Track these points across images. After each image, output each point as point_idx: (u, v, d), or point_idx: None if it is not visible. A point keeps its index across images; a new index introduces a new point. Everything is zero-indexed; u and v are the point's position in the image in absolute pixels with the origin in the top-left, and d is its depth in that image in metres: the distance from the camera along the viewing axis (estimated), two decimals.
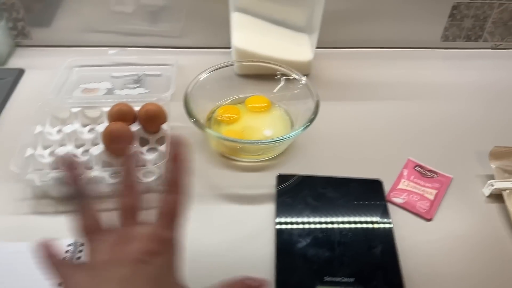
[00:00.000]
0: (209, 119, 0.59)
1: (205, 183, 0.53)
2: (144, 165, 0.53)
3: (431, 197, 0.51)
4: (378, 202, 0.50)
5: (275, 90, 0.61)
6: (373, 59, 0.75)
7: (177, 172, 0.33)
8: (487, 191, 0.52)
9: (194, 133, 0.55)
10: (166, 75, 0.68)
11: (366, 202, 0.50)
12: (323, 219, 0.47)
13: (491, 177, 0.53)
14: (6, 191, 0.51)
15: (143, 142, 0.57)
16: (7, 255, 0.45)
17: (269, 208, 0.50)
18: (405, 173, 0.54)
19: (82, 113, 0.58)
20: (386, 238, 0.46)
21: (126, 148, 0.36)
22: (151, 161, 0.54)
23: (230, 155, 0.56)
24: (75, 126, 0.57)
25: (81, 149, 0.55)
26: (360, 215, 0.48)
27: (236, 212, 0.50)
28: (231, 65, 0.61)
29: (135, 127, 0.55)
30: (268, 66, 0.61)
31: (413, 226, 0.49)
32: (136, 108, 0.57)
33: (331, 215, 0.48)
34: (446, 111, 0.65)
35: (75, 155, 0.36)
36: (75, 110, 0.58)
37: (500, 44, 0.77)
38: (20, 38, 0.73)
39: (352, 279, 0.42)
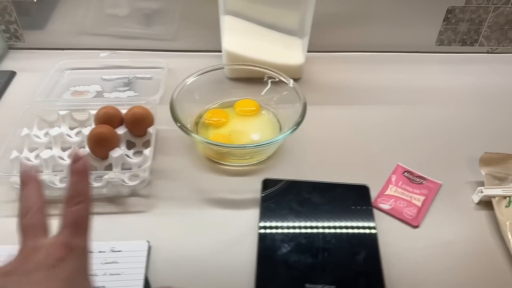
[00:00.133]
0: (197, 122, 0.59)
1: (191, 187, 0.53)
2: (130, 168, 0.53)
3: (419, 204, 0.50)
4: (363, 208, 0.49)
5: (262, 93, 0.61)
6: (366, 63, 0.75)
7: (78, 184, 0.33)
8: (476, 198, 0.51)
9: (181, 137, 0.55)
10: (157, 78, 0.68)
11: (352, 208, 0.49)
12: (307, 225, 0.47)
13: (481, 183, 0.52)
14: None
15: (130, 145, 0.57)
16: None
17: (254, 213, 0.49)
18: (394, 178, 0.54)
19: (70, 116, 0.58)
20: (370, 245, 0.45)
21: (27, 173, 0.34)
22: (137, 164, 0.53)
23: (217, 159, 0.55)
24: (62, 129, 0.57)
25: (67, 152, 0.55)
26: (344, 221, 0.47)
27: (220, 217, 0.50)
28: (220, 68, 0.61)
29: (121, 130, 0.55)
30: (257, 70, 0.61)
31: (399, 233, 0.48)
32: (123, 111, 0.57)
33: (315, 221, 0.47)
34: (439, 116, 0.64)
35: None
36: (62, 112, 0.58)
37: (497, 49, 0.76)
38: (13, 41, 0.74)
39: (333, 287, 0.41)
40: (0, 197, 0.50)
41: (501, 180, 0.52)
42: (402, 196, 0.51)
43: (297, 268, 0.43)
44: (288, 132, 0.52)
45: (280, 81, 0.59)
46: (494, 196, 0.50)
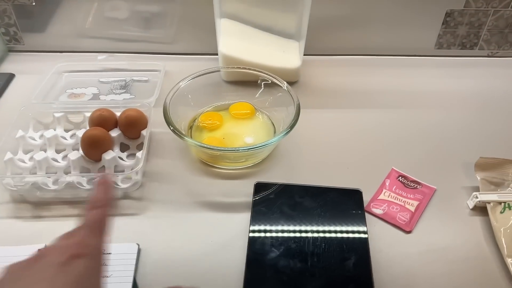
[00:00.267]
0: (191, 125, 0.59)
1: (184, 190, 0.53)
2: (123, 171, 0.53)
3: (412, 209, 0.50)
4: (355, 213, 0.48)
5: (256, 96, 0.61)
6: (364, 66, 0.74)
7: (101, 193, 0.34)
8: (471, 203, 0.50)
9: (176, 140, 0.55)
10: (154, 81, 0.68)
11: (344, 213, 0.48)
12: (297, 229, 0.46)
13: (477, 189, 0.52)
14: None
15: (124, 147, 0.57)
16: None
17: (245, 216, 0.49)
18: (388, 183, 0.53)
19: (65, 118, 0.59)
20: (360, 250, 0.45)
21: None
22: (130, 167, 0.53)
23: (210, 162, 0.55)
24: (57, 131, 0.57)
25: (61, 154, 0.55)
26: (336, 225, 0.47)
27: (212, 220, 0.49)
28: (213, 72, 0.61)
29: (115, 133, 0.55)
30: (251, 73, 0.61)
31: (391, 238, 0.48)
32: (118, 113, 0.57)
33: (306, 225, 0.47)
34: (436, 120, 0.63)
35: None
36: (58, 115, 0.58)
37: (497, 52, 0.75)
38: (13, 44, 0.74)
39: None
40: None
41: (497, 185, 0.51)
42: (395, 201, 0.51)
43: (285, 273, 0.42)
44: (281, 135, 0.52)
45: (274, 83, 0.59)
46: (489, 202, 0.49)
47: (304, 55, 0.69)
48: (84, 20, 0.73)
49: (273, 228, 0.47)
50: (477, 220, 0.50)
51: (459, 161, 0.56)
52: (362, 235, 0.46)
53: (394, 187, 0.53)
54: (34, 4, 0.69)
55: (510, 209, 0.48)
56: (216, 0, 0.62)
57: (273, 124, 0.59)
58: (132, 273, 0.43)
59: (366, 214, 0.50)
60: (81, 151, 0.53)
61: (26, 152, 0.55)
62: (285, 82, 0.58)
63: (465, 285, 0.44)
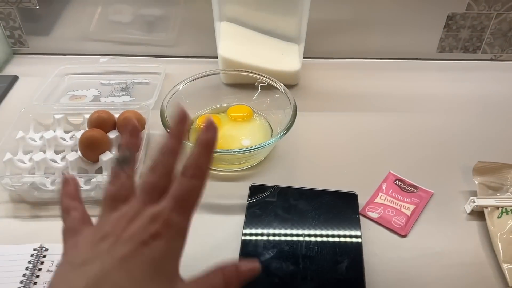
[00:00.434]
0: (189, 127, 0.59)
1: None
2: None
3: (408, 213, 0.49)
4: (350, 216, 0.48)
5: (254, 98, 0.61)
6: (365, 70, 0.74)
7: (201, 157, 0.30)
8: (468, 207, 0.50)
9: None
10: (154, 83, 0.68)
11: (338, 216, 0.48)
12: (291, 232, 0.46)
13: (475, 193, 0.51)
14: None
15: None
16: None
17: (240, 218, 0.49)
18: (384, 186, 0.53)
19: (65, 120, 0.59)
20: (353, 254, 0.44)
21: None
22: None
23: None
24: (57, 132, 0.58)
25: (60, 155, 0.56)
26: (329, 228, 0.47)
27: (206, 222, 0.50)
28: (211, 74, 0.61)
29: (113, 134, 0.56)
30: (249, 75, 0.61)
31: (386, 242, 0.47)
32: (117, 115, 0.57)
33: (300, 228, 0.47)
34: (436, 124, 0.63)
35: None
36: (58, 116, 0.59)
37: (501, 56, 0.75)
38: (18, 46, 0.76)
39: None
40: None
41: (495, 190, 0.51)
42: (391, 205, 0.50)
43: (277, 275, 0.42)
44: (277, 137, 0.52)
45: (271, 86, 0.59)
46: (486, 206, 0.49)
47: (304, 58, 0.69)
48: (88, 23, 0.74)
49: (266, 230, 0.47)
50: (474, 225, 0.49)
51: (458, 165, 0.56)
52: (356, 239, 0.46)
53: (391, 190, 0.52)
54: (38, 7, 0.71)
55: (507, 214, 0.47)
56: (215, 4, 0.62)
57: (271, 127, 0.59)
58: None
59: (362, 218, 0.49)
60: (79, 152, 0.54)
61: (26, 153, 0.56)
62: (282, 84, 0.58)
63: None
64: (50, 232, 0.48)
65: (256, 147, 0.51)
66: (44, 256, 0.45)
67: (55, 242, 0.46)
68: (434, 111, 0.65)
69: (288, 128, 0.53)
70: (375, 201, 0.51)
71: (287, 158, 0.57)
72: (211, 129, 0.31)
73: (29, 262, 0.44)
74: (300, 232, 0.46)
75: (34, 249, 0.45)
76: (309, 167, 0.56)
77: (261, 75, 0.60)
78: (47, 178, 0.52)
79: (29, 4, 0.70)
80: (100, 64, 0.72)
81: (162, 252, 0.28)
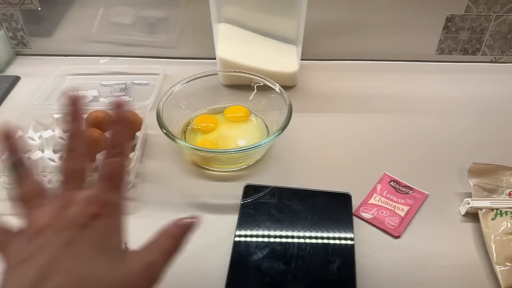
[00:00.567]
0: (186, 128, 0.60)
1: (175, 191, 0.53)
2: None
3: (402, 214, 0.49)
4: (343, 217, 0.48)
5: (250, 98, 0.61)
6: (364, 71, 0.74)
7: (119, 134, 0.32)
8: (463, 209, 0.50)
9: (170, 142, 0.55)
10: (153, 84, 0.69)
11: (331, 216, 0.48)
12: (283, 232, 0.46)
13: (470, 195, 0.51)
14: None
15: None
16: None
17: (234, 218, 0.49)
18: (379, 187, 0.53)
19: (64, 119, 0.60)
20: (345, 254, 0.44)
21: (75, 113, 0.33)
22: None
23: (203, 165, 0.56)
24: (56, 131, 0.58)
25: (58, 154, 0.57)
26: (322, 228, 0.47)
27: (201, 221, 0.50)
28: (208, 75, 0.61)
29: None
30: (246, 76, 0.61)
31: (379, 243, 0.47)
32: None
33: (293, 228, 0.47)
34: (434, 126, 0.63)
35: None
36: (57, 116, 0.59)
37: (501, 58, 0.74)
38: (20, 47, 0.77)
39: None
40: None
41: (490, 191, 0.51)
42: (385, 206, 0.50)
43: (268, 275, 0.42)
44: (272, 137, 0.52)
45: (267, 86, 0.60)
46: (481, 208, 0.48)
47: (303, 59, 0.69)
48: (90, 25, 0.75)
49: (259, 230, 0.47)
50: (468, 227, 0.49)
51: (453, 167, 0.56)
52: (348, 239, 0.46)
53: (385, 191, 0.52)
54: (39, 9, 0.72)
55: (502, 215, 0.47)
56: (213, 5, 0.63)
57: (267, 127, 0.60)
58: None
59: (355, 218, 0.49)
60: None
61: (24, 152, 0.57)
62: (277, 85, 0.59)
63: None
64: None
65: (251, 147, 0.51)
66: None
67: None
68: (432, 113, 0.65)
69: (283, 128, 0.53)
70: (369, 202, 0.51)
71: (283, 159, 0.58)
72: (119, 106, 0.33)
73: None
74: (292, 232, 0.46)
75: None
76: (305, 168, 0.56)
77: (257, 76, 0.60)
78: (44, 176, 0.52)
79: (31, 5, 0.71)
80: (100, 65, 0.72)
81: (104, 229, 0.29)
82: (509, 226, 0.45)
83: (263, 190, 0.51)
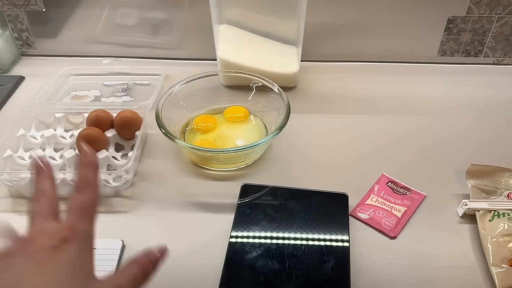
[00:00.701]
0: (186, 128, 0.60)
1: (173, 190, 0.54)
2: (115, 169, 0.55)
3: (399, 215, 0.49)
4: (339, 217, 0.48)
5: (249, 98, 0.62)
6: (365, 73, 0.74)
7: (86, 174, 0.33)
8: (460, 210, 0.49)
9: (169, 142, 0.56)
10: (155, 84, 0.70)
11: (327, 216, 0.48)
12: (279, 231, 0.46)
13: (469, 196, 0.51)
14: None
15: (119, 147, 0.59)
16: None
17: (230, 217, 0.49)
18: (376, 188, 0.53)
19: (66, 119, 0.61)
20: (340, 254, 0.44)
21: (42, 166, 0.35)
22: (122, 166, 0.55)
23: (201, 164, 0.56)
24: (57, 130, 0.59)
25: (59, 153, 0.58)
26: (318, 228, 0.47)
27: (198, 220, 0.50)
28: (208, 76, 0.62)
29: (110, 133, 0.57)
30: (244, 76, 0.62)
31: (375, 243, 0.47)
32: (115, 114, 0.59)
33: (288, 227, 0.47)
34: (433, 126, 0.62)
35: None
36: (58, 115, 0.60)
37: (503, 60, 0.74)
38: (25, 48, 0.78)
39: None
40: None
41: (489, 193, 0.50)
42: (382, 206, 0.50)
43: (263, 273, 0.43)
44: (269, 136, 0.52)
45: (265, 86, 0.60)
46: (478, 210, 0.48)
47: (304, 61, 0.69)
48: (94, 26, 0.76)
49: (255, 229, 0.47)
50: (465, 228, 0.48)
51: (453, 169, 0.55)
52: (344, 239, 0.46)
53: (383, 192, 0.52)
54: (44, 10, 0.73)
55: (499, 217, 0.46)
56: (214, 7, 0.63)
57: (266, 127, 0.60)
58: (114, 268, 0.44)
59: (352, 219, 0.49)
60: (76, 150, 0.55)
61: (27, 150, 0.58)
62: (276, 85, 0.59)
63: None
64: None
65: (248, 146, 0.51)
66: None
67: None
68: (432, 114, 0.65)
69: (281, 127, 0.53)
70: (366, 202, 0.51)
71: (282, 159, 0.58)
72: (86, 152, 0.34)
73: None
74: (288, 231, 0.47)
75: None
76: (304, 168, 0.57)
77: (256, 76, 0.61)
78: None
79: (36, 6, 0.72)
80: (103, 66, 0.73)
81: (75, 252, 0.29)
82: (506, 227, 0.45)
83: (260, 190, 0.51)
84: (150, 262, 0.33)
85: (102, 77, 0.72)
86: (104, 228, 0.48)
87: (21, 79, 0.73)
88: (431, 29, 0.71)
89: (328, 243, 0.46)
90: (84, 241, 0.31)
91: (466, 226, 0.49)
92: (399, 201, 0.51)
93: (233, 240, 0.46)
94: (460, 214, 0.49)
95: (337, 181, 0.54)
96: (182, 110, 0.60)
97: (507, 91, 0.69)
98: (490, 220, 0.47)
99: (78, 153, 0.35)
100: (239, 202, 0.50)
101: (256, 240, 0.46)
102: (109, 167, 0.55)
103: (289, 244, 0.45)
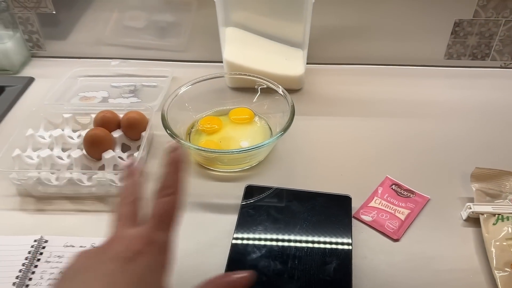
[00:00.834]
0: (191, 129, 0.61)
1: None
2: (122, 169, 0.56)
3: (402, 217, 0.49)
4: (342, 218, 0.48)
5: (254, 100, 0.62)
6: (371, 76, 0.74)
7: (173, 175, 0.33)
8: (464, 214, 0.49)
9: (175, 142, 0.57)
10: (161, 86, 0.70)
11: (330, 218, 0.48)
12: (281, 232, 0.47)
13: (473, 200, 0.50)
14: None
15: (125, 148, 0.59)
16: None
17: (233, 218, 0.50)
18: (380, 191, 0.53)
19: (74, 119, 0.62)
20: (342, 255, 0.44)
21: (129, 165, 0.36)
22: None
23: (206, 165, 0.57)
24: (65, 130, 0.60)
25: (66, 153, 0.58)
26: (320, 230, 0.47)
27: (201, 220, 0.51)
28: (214, 78, 0.62)
29: (117, 134, 0.58)
30: (250, 79, 0.62)
31: (377, 245, 0.47)
32: (122, 115, 0.59)
33: (291, 228, 0.47)
34: (439, 130, 0.62)
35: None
36: (66, 115, 0.61)
37: (510, 63, 0.73)
38: (35, 50, 0.79)
39: None
40: (1, 191, 0.54)
41: (493, 197, 0.50)
42: (385, 209, 0.50)
43: (265, 274, 0.43)
44: (274, 138, 0.53)
45: (270, 88, 0.60)
46: (482, 213, 0.48)
47: (309, 63, 0.70)
48: (103, 28, 0.77)
49: (258, 230, 0.47)
50: (469, 231, 0.48)
51: (457, 172, 0.55)
52: (346, 241, 0.46)
53: (386, 195, 0.52)
54: (54, 12, 0.74)
55: (503, 221, 0.46)
56: (220, 9, 0.64)
57: (270, 129, 0.60)
58: None
59: (355, 221, 0.50)
60: (83, 150, 0.56)
61: (35, 150, 0.59)
62: (280, 87, 0.59)
63: None
64: (51, 225, 0.50)
65: (252, 147, 0.52)
66: (44, 248, 0.47)
67: (55, 234, 0.48)
68: (437, 117, 0.65)
69: (285, 129, 0.53)
70: (370, 204, 0.51)
71: (286, 161, 0.58)
72: (175, 149, 0.34)
73: (29, 252, 0.46)
74: (291, 232, 0.47)
75: (35, 240, 0.47)
76: (308, 170, 0.57)
77: (260, 78, 0.61)
78: (52, 173, 0.54)
79: (46, 9, 0.74)
80: (111, 67, 0.74)
81: (146, 267, 0.29)
82: (510, 231, 0.45)
83: (264, 191, 0.52)
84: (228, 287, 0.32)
85: (110, 79, 0.73)
86: (108, 228, 0.50)
87: (31, 80, 0.74)
88: (438, 32, 0.71)
89: (330, 244, 0.46)
90: (158, 255, 0.31)
91: (470, 229, 0.48)
92: (402, 204, 0.51)
93: (236, 240, 0.46)
94: (464, 218, 0.49)
95: (341, 183, 0.54)
96: (188, 112, 0.61)
97: None
98: (494, 224, 0.46)
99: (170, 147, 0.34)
100: (242, 203, 0.51)
101: (259, 241, 0.46)
102: (115, 167, 0.56)
103: (291, 245, 0.45)
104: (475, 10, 0.68)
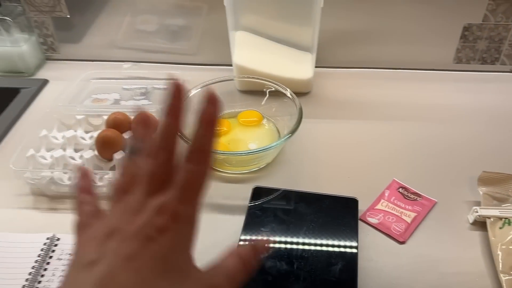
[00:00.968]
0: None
1: None
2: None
3: (409, 220, 0.50)
4: (349, 221, 0.49)
5: (262, 103, 0.63)
6: (380, 79, 0.74)
7: (204, 138, 0.28)
8: (471, 217, 0.49)
9: (183, 144, 0.58)
10: None
11: (336, 220, 0.49)
12: (288, 233, 0.47)
13: (480, 203, 0.50)
14: (7, 187, 0.56)
15: None
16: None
17: (240, 219, 0.50)
18: (387, 193, 0.53)
19: (86, 121, 0.63)
20: (348, 257, 0.45)
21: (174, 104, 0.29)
22: None
23: (215, 167, 0.57)
24: (78, 132, 0.62)
25: (79, 153, 0.60)
26: (327, 232, 0.47)
27: (208, 220, 0.50)
28: (223, 80, 0.63)
29: (128, 135, 0.59)
30: (258, 82, 0.63)
31: (383, 247, 0.47)
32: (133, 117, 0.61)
33: (298, 230, 0.48)
34: (447, 133, 0.62)
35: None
36: (79, 117, 0.63)
37: None
38: (50, 53, 0.81)
39: None
40: (15, 190, 0.56)
41: (500, 200, 0.50)
42: (392, 211, 0.51)
43: (271, 274, 0.43)
44: (281, 140, 0.53)
45: (278, 91, 0.61)
46: (489, 217, 0.48)
47: (318, 67, 0.70)
48: (116, 32, 0.78)
49: (264, 231, 0.48)
50: (476, 235, 0.48)
51: (465, 175, 0.55)
52: (352, 243, 0.46)
53: (393, 198, 0.52)
54: (69, 16, 0.76)
55: (510, 225, 0.46)
56: (230, 14, 0.65)
57: (279, 131, 0.61)
58: None
59: (361, 223, 0.50)
60: (95, 151, 0.57)
61: (48, 150, 0.60)
62: (288, 90, 0.60)
63: None
64: (64, 223, 0.51)
65: (259, 149, 0.52)
66: (56, 245, 0.48)
67: (67, 232, 0.49)
68: (445, 121, 0.65)
69: (293, 131, 0.54)
70: (376, 207, 0.51)
71: (294, 163, 0.59)
72: (212, 102, 0.28)
73: (42, 249, 0.47)
74: (297, 234, 0.47)
75: (47, 238, 0.48)
76: (315, 172, 0.57)
77: (269, 81, 0.62)
78: (65, 173, 0.55)
79: (61, 13, 0.76)
80: (123, 70, 0.76)
81: (170, 246, 0.26)
82: None
83: (271, 193, 0.53)
84: (254, 255, 0.29)
85: (122, 81, 0.74)
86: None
87: (45, 82, 0.76)
88: (447, 37, 0.71)
89: (336, 246, 0.46)
90: (183, 231, 0.27)
91: (476, 233, 0.49)
92: (409, 207, 0.51)
93: (243, 241, 0.47)
94: (471, 221, 0.49)
95: (348, 185, 0.55)
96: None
97: None
98: (500, 228, 0.47)
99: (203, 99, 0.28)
100: (250, 204, 0.51)
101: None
102: None
103: (298, 246, 0.46)
104: (484, 15, 0.68)
